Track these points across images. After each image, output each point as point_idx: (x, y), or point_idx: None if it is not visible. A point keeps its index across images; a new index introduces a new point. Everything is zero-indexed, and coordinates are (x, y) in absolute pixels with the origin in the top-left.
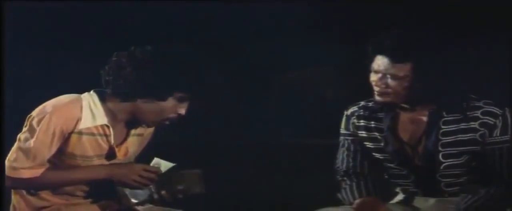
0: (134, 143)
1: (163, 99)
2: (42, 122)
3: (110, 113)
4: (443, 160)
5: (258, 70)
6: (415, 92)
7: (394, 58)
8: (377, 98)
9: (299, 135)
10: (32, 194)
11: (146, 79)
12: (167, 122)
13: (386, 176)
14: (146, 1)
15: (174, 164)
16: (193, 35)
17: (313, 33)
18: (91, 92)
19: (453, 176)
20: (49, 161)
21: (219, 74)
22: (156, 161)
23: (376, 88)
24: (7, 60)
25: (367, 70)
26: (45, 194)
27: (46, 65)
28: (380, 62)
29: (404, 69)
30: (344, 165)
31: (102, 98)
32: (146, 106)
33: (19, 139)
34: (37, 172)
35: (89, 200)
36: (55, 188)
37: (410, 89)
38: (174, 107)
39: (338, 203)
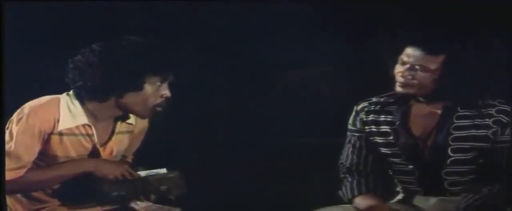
0: (121, 141)
1: (139, 88)
2: (20, 124)
3: (90, 112)
4: (451, 154)
5: (259, 70)
6: (441, 86)
7: (428, 50)
8: (399, 89)
9: (299, 134)
10: (26, 196)
11: (111, 75)
12: (158, 109)
13: (390, 172)
14: (147, 2)
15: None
16: (193, 35)
17: (313, 33)
18: (70, 92)
19: (457, 174)
20: (34, 163)
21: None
22: (156, 171)
23: (400, 79)
24: (7, 60)
25: (368, 69)
26: (39, 194)
27: (46, 65)
28: (411, 53)
29: (436, 62)
30: (348, 161)
31: (81, 98)
32: (129, 100)
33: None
34: (19, 173)
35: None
36: (43, 187)
37: (437, 83)
38: (156, 91)
39: (338, 202)
